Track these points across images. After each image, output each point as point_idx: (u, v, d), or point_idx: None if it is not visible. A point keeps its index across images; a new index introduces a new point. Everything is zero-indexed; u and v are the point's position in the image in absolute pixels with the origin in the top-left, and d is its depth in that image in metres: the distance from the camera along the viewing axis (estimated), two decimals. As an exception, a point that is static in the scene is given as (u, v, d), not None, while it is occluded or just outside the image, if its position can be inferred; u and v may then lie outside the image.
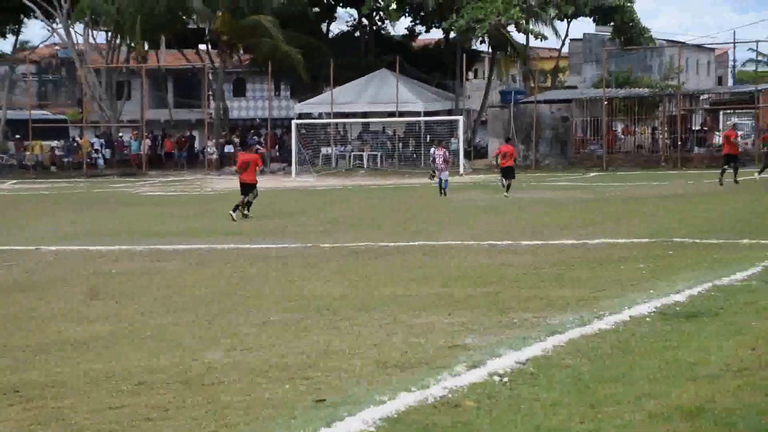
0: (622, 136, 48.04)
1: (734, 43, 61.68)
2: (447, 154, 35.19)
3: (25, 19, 58.15)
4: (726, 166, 29.89)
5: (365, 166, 48.47)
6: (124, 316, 10.87)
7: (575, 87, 63.25)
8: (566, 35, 57.01)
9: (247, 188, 23.97)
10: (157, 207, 29.32)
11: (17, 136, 55.21)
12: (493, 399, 6.66)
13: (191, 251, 17.11)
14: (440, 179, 31.16)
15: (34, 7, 53.30)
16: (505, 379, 7.12)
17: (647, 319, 9.26)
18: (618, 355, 7.81)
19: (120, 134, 56.18)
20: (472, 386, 6.97)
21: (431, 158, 34.02)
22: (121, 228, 22.02)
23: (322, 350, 8.53)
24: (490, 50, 58.57)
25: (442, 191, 30.49)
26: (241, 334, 9.51)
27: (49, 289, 13.18)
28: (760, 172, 31.36)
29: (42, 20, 55.83)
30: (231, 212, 23.15)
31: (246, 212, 23.62)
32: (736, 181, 29.51)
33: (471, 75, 68.14)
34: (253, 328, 9.80)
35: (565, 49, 64.44)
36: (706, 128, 48.30)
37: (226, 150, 52.26)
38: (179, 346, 9.07)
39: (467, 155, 48.20)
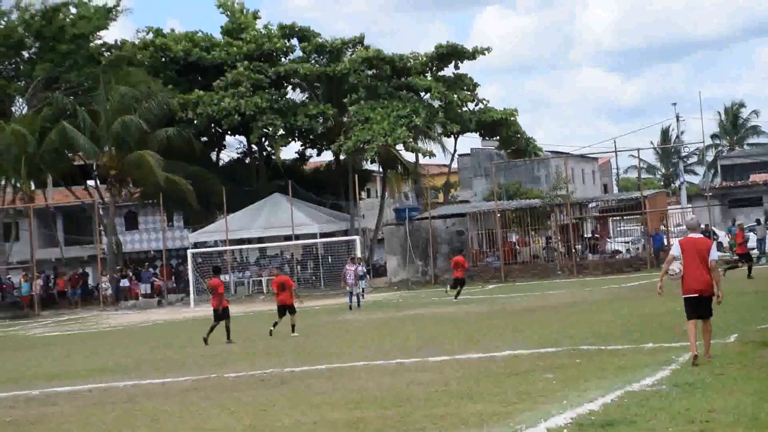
0: (518, 247, 48.68)
1: (616, 151, 63.41)
2: (359, 269, 35.45)
3: None
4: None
5: (265, 292, 47.94)
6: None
7: (467, 201, 64.36)
8: (455, 150, 58.19)
9: (285, 309, 24.53)
10: (50, 347, 28.29)
11: None
12: None
13: (87, 392, 16.40)
14: (351, 294, 31.64)
15: None
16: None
17: (564, 430, 9.09)
18: (539, 471, 7.59)
19: (8, 276, 54.63)
20: None
21: (344, 274, 34.62)
22: (13, 373, 21.09)
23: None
24: (381, 169, 59.36)
25: (352, 306, 30.74)
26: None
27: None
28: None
29: None
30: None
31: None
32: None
33: (364, 194, 68.79)
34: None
35: (455, 165, 65.65)
36: (597, 235, 49.32)
37: (121, 284, 51.21)
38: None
39: (367, 274, 48.12)
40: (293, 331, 24.47)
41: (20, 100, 56.94)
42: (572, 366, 13.89)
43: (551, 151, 72.09)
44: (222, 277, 50.27)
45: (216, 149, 61.54)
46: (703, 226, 45.28)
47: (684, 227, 47.85)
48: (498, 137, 56.62)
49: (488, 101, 55.73)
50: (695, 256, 13.18)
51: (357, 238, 47.32)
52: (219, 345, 23.69)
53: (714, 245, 13.66)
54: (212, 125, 55.16)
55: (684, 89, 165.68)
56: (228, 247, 51.10)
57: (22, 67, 56.16)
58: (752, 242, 47.55)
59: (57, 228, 63.18)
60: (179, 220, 62.02)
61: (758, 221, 45.86)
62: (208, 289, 25.16)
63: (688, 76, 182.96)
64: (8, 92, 55.14)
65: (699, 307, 13.21)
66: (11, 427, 13.28)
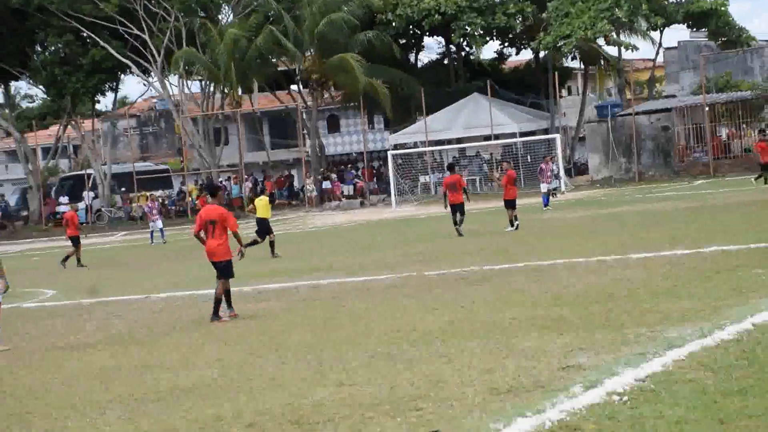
0: (729, 141, 46.78)
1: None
2: (552, 167, 35.62)
3: (123, 76, 59.72)
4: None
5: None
6: (232, 360, 10.84)
7: (674, 96, 62.04)
8: (660, 44, 56.00)
9: (457, 208, 25.21)
10: (258, 248, 29.53)
11: (123, 189, 56.60)
12: (613, 420, 6.36)
13: (295, 289, 17.10)
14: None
15: (131, 64, 54.66)
16: (625, 398, 6.81)
17: (772, 326, 8.84)
18: (744, 366, 7.41)
19: (220, 179, 57.09)
20: (590, 408, 6.68)
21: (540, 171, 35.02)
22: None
23: (432, 381, 8.32)
24: (582, 65, 57.95)
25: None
26: (349, 369, 9.37)
27: (159, 337, 13.26)
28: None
29: (138, 75, 57.23)
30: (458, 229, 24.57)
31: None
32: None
33: (564, 92, 67.44)
34: (361, 363, 9.65)
35: (660, 58, 63.29)
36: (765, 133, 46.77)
37: (324, 186, 52.61)
38: (288, 386, 8.96)
39: (568, 173, 47.58)
40: (460, 226, 24.96)
41: (226, 7, 58.59)
42: (784, 262, 13.39)
43: (766, 41, 68.41)
44: (423, 178, 51.19)
45: (415, 51, 61.62)
46: None
47: None
48: (707, 28, 54.08)
49: (696, -10, 53.13)
50: None
51: (557, 136, 46.66)
52: (420, 245, 24.09)
53: None
54: (411, 27, 55.13)
55: None
56: (427, 148, 51.47)
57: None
58: None
59: (263, 132, 65.34)
60: (380, 122, 62.84)
61: None
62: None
63: None
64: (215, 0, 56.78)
65: None
66: (223, 322, 13.99)
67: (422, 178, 51.35)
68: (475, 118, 51.19)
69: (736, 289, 11.41)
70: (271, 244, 24.69)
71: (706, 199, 29.64)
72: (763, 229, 18.05)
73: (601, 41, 51.31)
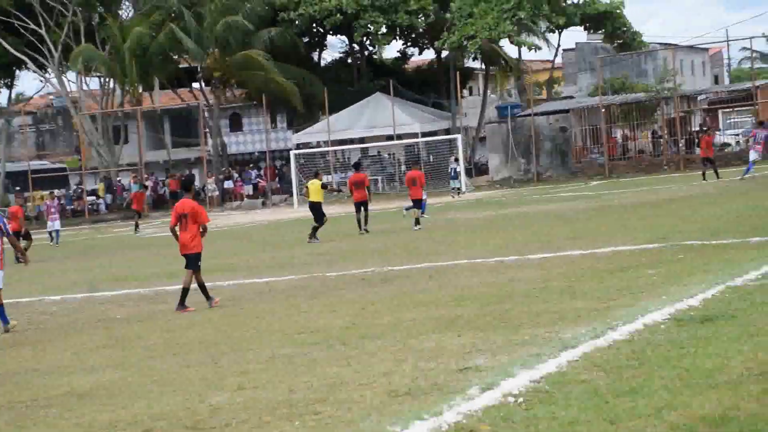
0: (623, 142, 47.88)
1: (727, 41, 61.62)
2: (453, 167, 36.16)
3: (18, 72, 58.30)
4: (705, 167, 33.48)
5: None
6: (130, 363, 10.67)
7: (571, 97, 63.23)
8: (558, 45, 57.07)
9: (361, 205, 26.02)
10: (159, 249, 29.15)
11: (17, 188, 55.19)
12: (508, 421, 6.44)
13: (195, 290, 16.90)
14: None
15: (27, 59, 53.40)
16: (520, 400, 6.90)
17: (662, 326, 9.05)
18: (634, 366, 7.59)
19: (119, 178, 56.16)
20: (486, 409, 6.76)
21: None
22: (125, 272, 21.86)
23: (331, 383, 8.32)
24: (484, 66, 58.63)
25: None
26: (249, 372, 9.30)
27: (53, 340, 12.98)
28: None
29: (35, 71, 55.95)
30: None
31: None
32: (717, 178, 32.48)
33: (466, 92, 68.15)
34: (261, 365, 9.59)
35: (559, 60, 64.45)
36: (705, 128, 48.14)
37: (226, 185, 52.19)
38: (186, 389, 8.85)
39: (468, 173, 48.10)
40: (366, 224, 25.89)
41: (127, 3, 57.71)
42: (675, 261, 13.75)
43: (660, 43, 70.18)
44: (325, 177, 51.11)
45: (318, 50, 61.59)
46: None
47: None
48: (603, 31, 55.27)
49: (593, -8, 54.29)
50: None
51: (459, 136, 47.13)
52: (325, 244, 24.09)
53: None
54: (314, 25, 55.07)
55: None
56: (330, 148, 51.50)
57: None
58: None
59: (164, 130, 64.49)
60: (282, 121, 62.62)
61: None
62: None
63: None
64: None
65: None
66: (122, 323, 13.82)
67: (325, 178, 51.24)
68: (378, 118, 51.40)
69: (628, 289, 11.67)
70: (314, 229, 25.13)
71: (601, 199, 30.27)
72: (655, 230, 18.50)
73: (503, 42, 52.02)
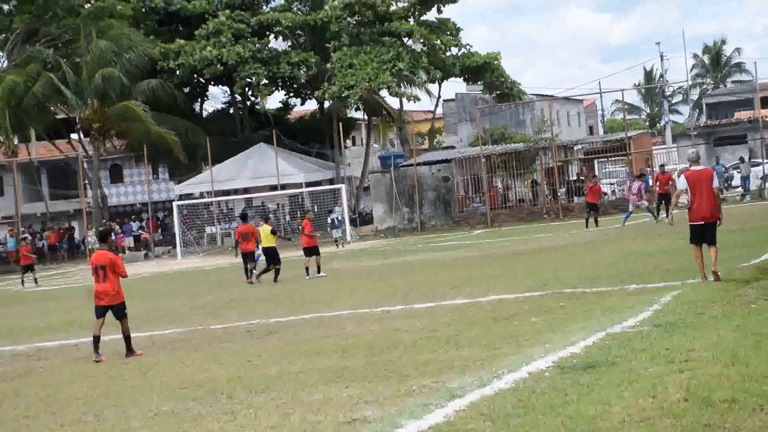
0: (504, 192, 48.73)
1: (600, 93, 63.30)
2: (335, 216, 35.97)
3: None
4: (588, 214, 33.94)
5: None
6: (5, 422, 10.29)
7: (453, 147, 64.21)
8: (439, 96, 57.99)
9: (250, 256, 26.79)
10: (38, 302, 28.33)
11: None
12: (398, 473, 6.43)
13: (74, 346, 16.47)
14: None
15: None
16: (409, 451, 6.91)
17: (546, 374, 9.19)
18: (520, 415, 7.67)
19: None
20: (375, 462, 6.74)
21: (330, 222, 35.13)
22: (2, 327, 21.15)
23: (218, 439, 8.18)
24: (366, 116, 59.19)
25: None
26: (132, 429, 9.08)
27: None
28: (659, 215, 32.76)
29: None
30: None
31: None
32: (596, 227, 33.08)
33: (349, 142, 68.65)
34: (144, 421, 9.37)
35: (440, 110, 65.47)
36: (582, 177, 49.43)
37: (107, 238, 51.15)
38: (66, 450, 8.58)
39: (353, 223, 48.26)
40: (257, 277, 26.20)
41: (1, 53, 56.44)
42: (557, 309, 14.01)
43: (536, 94, 71.96)
44: (209, 229, 50.66)
45: (199, 100, 61.28)
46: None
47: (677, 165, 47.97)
48: (482, 81, 56.46)
49: (471, 46, 55.66)
50: (702, 186, 14.70)
51: (343, 186, 47.32)
52: (206, 296, 23.79)
53: (715, 173, 15.26)
54: (195, 75, 54.80)
55: (674, 27, 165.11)
56: (214, 198, 51.07)
57: (0, 20, 55.56)
58: (736, 180, 47.80)
59: (42, 182, 62.96)
60: (164, 172, 61.88)
61: (742, 159, 45.89)
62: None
63: (680, 11, 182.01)
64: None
65: (704, 233, 14.81)
66: (7, 378, 13.34)
67: (209, 229, 50.81)
68: (262, 168, 51.26)
69: (512, 337, 11.82)
70: (276, 271, 25.92)
71: (484, 248, 30.68)
72: (537, 278, 18.82)
73: (384, 92, 52.64)
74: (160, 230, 54.60)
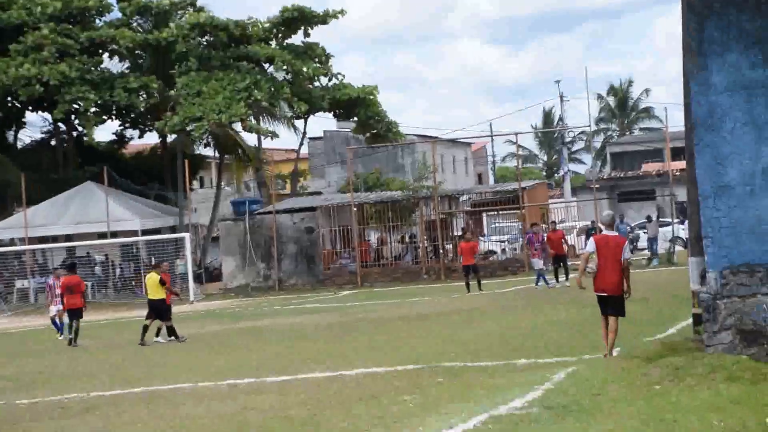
0: (377, 247, 48.99)
1: (492, 136, 64.73)
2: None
3: None
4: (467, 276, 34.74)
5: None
6: None
7: (319, 192, 64.48)
8: (304, 133, 58.14)
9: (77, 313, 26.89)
10: None
11: None
12: None
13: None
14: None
15: None
16: None
17: (417, 463, 9.21)
18: None
19: None
20: None
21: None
22: None
23: None
24: (216, 154, 58.88)
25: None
26: None
27: None
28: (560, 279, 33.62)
29: None
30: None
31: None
32: (480, 290, 33.86)
33: (196, 184, 68.24)
34: None
35: (305, 150, 65.68)
36: (468, 234, 50.13)
37: None
38: None
39: (198, 279, 47.78)
40: (75, 340, 26.48)
41: None
42: (433, 386, 14.09)
43: (418, 135, 72.99)
44: (21, 282, 49.43)
45: (14, 128, 59.98)
46: (588, 223, 46.58)
47: (571, 224, 49.12)
48: (355, 119, 56.86)
49: (344, 76, 55.95)
50: (608, 255, 15.35)
51: (187, 235, 46.84)
52: (11, 365, 23.15)
53: (627, 243, 15.85)
54: (8, 98, 53.69)
55: (573, 65, 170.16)
56: (28, 246, 49.91)
57: None
58: (642, 242, 49.20)
59: None
60: (-34, 212, 60.27)
61: (649, 218, 47.26)
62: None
63: (583, 47, 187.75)
64: None
65: (607, 305, 15.56)
66: None
67: (20, 283, 49.54)
68: (89, 212, 50.41)
69: (380, 419, 11.83)
70: (169, 329, 25.88)
71: (351, 312, 30.74)
72: (410, 349, 18.93)
73: (238, 127, 52.49)
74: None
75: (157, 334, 26.03)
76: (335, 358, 18.63)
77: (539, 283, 33.75)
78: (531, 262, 36.08)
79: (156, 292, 26.06)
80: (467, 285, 34.47)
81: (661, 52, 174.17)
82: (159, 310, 26.02)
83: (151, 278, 26.46)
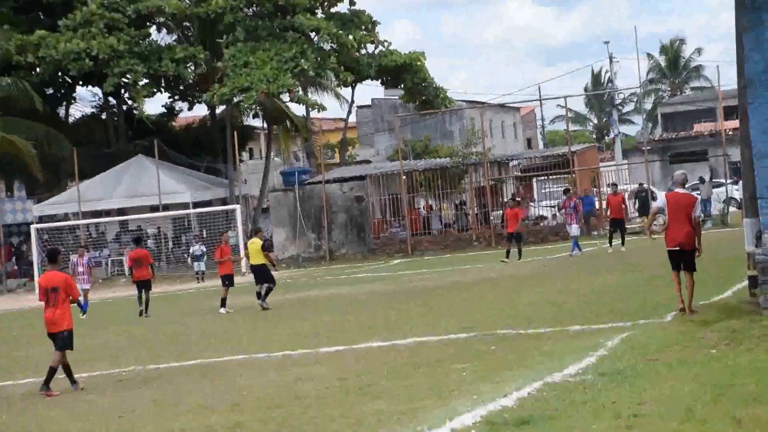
0: (427, 215, 48.96)
1: (540, 100, 64.35)
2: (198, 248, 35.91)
3: None
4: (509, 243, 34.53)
5: (127, 274, 47.53)
6: None
7: (368, 161, 64.45)
8: (352, 102, 58.09)
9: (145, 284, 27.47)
10: None
11: None
12: None
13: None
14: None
15: None
16: None
17: (473, 430, 9.26)
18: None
19: None
20: None
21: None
22: None
23: None
24: (265, 125, 58.95)
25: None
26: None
27: None
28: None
29: None
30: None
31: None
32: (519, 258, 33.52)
33: (246, 155, 68.43)
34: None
35: (353, 118, 65.61)
36: (519, 199, 50.00)
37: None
38: None
39: (249, 250, 47.97)
40: (146, 311, 27.10)
41: None
42: (487, 354, 14.13)
43: (466, 101, 72.69)
44: (73, 257, 49.87)
45: (64, 104, 60.42)
46: (642, 185, 46.24)
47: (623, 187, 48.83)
48: (402, 86, 56.67)
49: (390, 43, 55.68)
50: (679, 211, 15.80)
51: (238, 207, 47.08)
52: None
53: (698, 201, 16.35)
54: (59, 73, 54.05)
55: (626, 24, 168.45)
56: (81, 221, 50.38)
57: None
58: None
59: None
60: (20, 189, 60.78)
61: (702, 179, 46.84)
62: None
63: (633, 6, 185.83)
64: None
65: (681, 259, 15.98)
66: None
67: (73, 258, 50.07)
68: (140, 185, 50.78)
69: (435, 387, 11.88)
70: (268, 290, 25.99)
71: (403, 281, 30.81)
72: (463, 318, 18.96)
73: (285, 97, 52.51)
74: (14, 259, 53.63)
75: (223, 305, 26.39)
76: (389, 328, 18.72)
77: (574, 251, 33.56)
78: (567, 228, 35.92)
79: (258, 257, 26.24)
80: (507, 252, 33.99)
81: (713, 8, 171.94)
82: (263, 275, 26.15)
83: (254, 243, 26.68)
